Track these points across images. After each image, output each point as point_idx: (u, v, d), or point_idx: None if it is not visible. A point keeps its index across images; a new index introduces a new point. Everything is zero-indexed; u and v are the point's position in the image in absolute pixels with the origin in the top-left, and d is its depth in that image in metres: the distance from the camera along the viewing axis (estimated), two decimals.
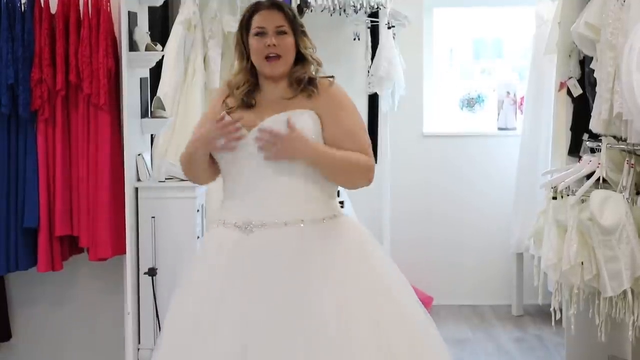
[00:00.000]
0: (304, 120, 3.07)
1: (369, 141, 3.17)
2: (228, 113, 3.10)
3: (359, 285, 3.05)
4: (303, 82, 3.10)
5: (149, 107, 5.03)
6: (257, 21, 3.09)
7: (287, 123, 3.02)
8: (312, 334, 2.94)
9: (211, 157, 3.16)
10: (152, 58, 4.90)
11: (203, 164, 3.16)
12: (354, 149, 3.10)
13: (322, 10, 6.06)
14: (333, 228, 3.10)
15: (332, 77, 3.20)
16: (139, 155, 4.86)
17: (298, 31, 3.12)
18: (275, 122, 3.05)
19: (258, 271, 3.00)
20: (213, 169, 3.19)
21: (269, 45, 3.06)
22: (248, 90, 3.14)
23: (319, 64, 3.17)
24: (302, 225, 3.05)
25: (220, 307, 3.01)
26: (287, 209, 3.05)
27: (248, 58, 3.14)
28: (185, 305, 3.09)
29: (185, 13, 5.56)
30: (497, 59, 7.26)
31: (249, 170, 3.06)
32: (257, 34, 3.09)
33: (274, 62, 3.08)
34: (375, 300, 3.06)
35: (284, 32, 3.08)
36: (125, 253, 4.67)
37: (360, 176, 3.13)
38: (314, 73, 3.15)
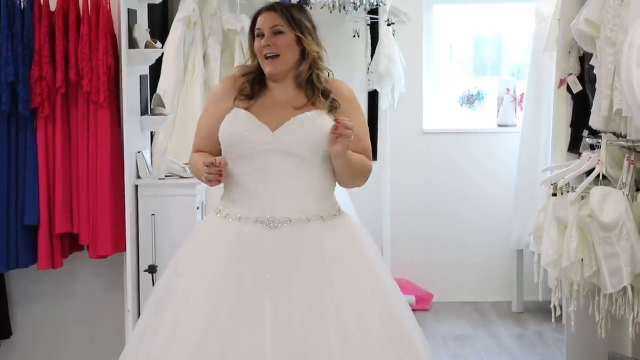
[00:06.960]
0: (325, 121, 3.13)
1: (370, 144, 3.27)
2: (246, 108, 3.15)
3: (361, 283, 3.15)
4: (317, 89, 3.16)
5: (149, 105, 5.03)
6: (257, 24, 3.18)
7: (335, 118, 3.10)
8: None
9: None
10: (152, 55, 4.90)
11: None
12: (359, 152, 3.20)
13: (321, 7, 6.06)
14: (344, 224, 3.21)
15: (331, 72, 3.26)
16: (138, 152, 4.85)
17: (300, 29, 3.16)
18: (301, 121, 3.12)
19: (287, 266, 3.06)
20: None
21: (265, 46, 3.13)
22: (252, 80, 3.19)
23: (321, 68, 3.20)
24: (320, 221, 3.14)
25: (242, 300, 3.04)
26: (308, 205, 3.13)
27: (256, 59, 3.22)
28: (199, 296, 3.11)
29: (185, 10, 5.56)
30: (497, 55, 7.25)
31: (271, 167, 3.11)
32: (257, 36, 3.17)
33: (271, 61, 3.14)
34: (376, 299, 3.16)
35: (280, 32, 3.14)
36: (125, 250, 4.67)
37: (363, 178, 3.25)
38: (326, 76, 3.21)
